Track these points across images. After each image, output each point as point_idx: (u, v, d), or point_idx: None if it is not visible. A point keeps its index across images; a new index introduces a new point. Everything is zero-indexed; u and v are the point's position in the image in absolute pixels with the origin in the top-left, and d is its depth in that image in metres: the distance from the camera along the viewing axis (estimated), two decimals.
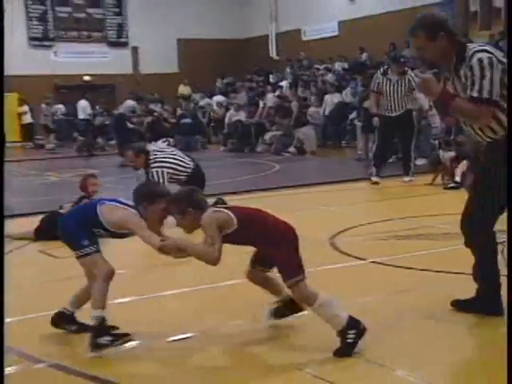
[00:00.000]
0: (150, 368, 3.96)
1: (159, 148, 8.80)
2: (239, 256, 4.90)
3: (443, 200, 9.44)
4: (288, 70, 24.99)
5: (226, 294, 5.35)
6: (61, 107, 24.96)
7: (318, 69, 23.35)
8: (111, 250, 4.67)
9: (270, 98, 21.29)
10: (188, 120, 22.35)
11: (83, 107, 21.68)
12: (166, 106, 23.62)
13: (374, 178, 11.25)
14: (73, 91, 25.84)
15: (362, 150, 15.10)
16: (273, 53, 27.97)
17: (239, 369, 3.85)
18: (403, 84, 11.06)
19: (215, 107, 23.48)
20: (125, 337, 4.13)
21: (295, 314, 4.40)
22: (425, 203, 9.42)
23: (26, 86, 24.12)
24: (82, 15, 26.97)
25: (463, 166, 10.19)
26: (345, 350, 3.87)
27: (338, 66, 23.11)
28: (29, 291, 4.52)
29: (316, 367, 3.72)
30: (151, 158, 8.41)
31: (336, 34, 25.03)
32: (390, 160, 14.02)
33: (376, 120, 11.39)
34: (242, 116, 20.85)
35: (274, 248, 4.11)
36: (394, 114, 11.18)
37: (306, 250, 6.68)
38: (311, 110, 19.44)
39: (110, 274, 4.19)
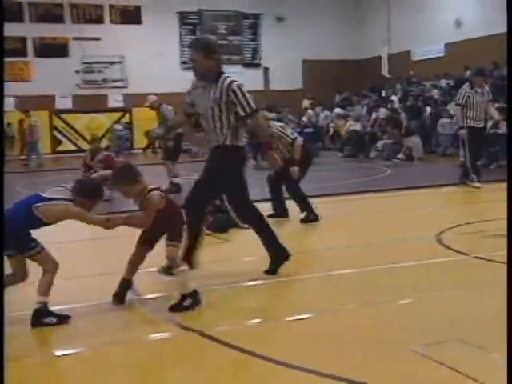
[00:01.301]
0: (271, 342, 4.02)
1: None
2: (344, 250, 4.88)
3: None
4: (398, 86, 24.55)
5: (336, 281, 5.35)
6: None
7: (425, 85, 22.84)
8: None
9: (383, 111, 20.98)
10: (310, 129, 22.39)
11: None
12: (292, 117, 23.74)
13: (476, 184, 10.85)
14: None
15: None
16: (385, 71, 27.56)
17: (352, 349, 3.78)
18: (485, 95, 10.73)
19: (334, 119, 23.37)
20: (64, 318, 4.33)
21: None
22: None
23: (176, 101, 24.84)
24: (224, 42, 27.51)
25: None
26: (178, 308, 4.46)
27: (443, 82, 22.48)
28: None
29: (424, 348, 3.61)
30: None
31: (442, 54, 24.38)
32: (492, 166, 13.59)
33: (463, 132, 10.89)
34: (357, 126, 20.69)
35: (172, 222, 4.60)
36: (481, 125, 10.80)
37: (414, 245, 6.64)
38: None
39: (57, 268, 4.37)
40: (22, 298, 4.52)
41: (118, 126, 24.78)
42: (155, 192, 4.51)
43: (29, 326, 4.24)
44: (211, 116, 5.10)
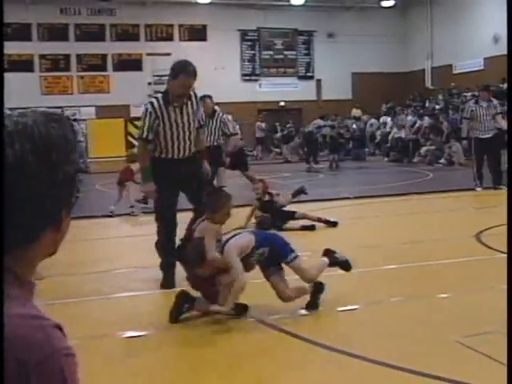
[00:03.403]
0: (321, 329, 3.99)
1: None
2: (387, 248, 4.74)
3: None
4: (440, 97, 24.05)
5: (382, 276, 5.27)
6: (262, 124, 25.51)
7: (466, 96, 22.29)
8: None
9: (426, 120, 20.61)
10: (358, 136, 22.18)
11: (315, 123, 21.38)
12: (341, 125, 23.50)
13: (478, 189, 10.79)
14: (271, 113, 26.51)
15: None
16: (428, 83, 27.05)
17: (397, 338, 3.72)
18: (491, 108, 10.60)
19: (381, 126, 23.08)
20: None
21: None
22: None
23: (237, 110, 25.02)
24: (280, 56, 27.52)
25: None
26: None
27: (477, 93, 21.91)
28: None
29: (466, 339, 3.54)
30: (217, 110, 8.67)
31: (482, 68, 23.77)
32: None
33: (465, 142, 11.10)
34: (402, 133, 20.37)
35: None
36: (487, 136, 10.63)
37: (454, 243, 6.50)
38: None
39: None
40: None
41: None
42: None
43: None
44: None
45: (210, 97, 8.51)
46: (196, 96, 5.09)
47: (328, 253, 4.63)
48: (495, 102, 11.01)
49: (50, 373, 0.85)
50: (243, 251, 4.01)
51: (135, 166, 9.57)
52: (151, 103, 4.87)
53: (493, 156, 10.99)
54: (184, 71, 4.85)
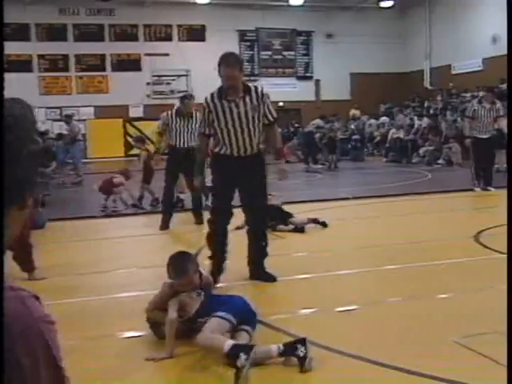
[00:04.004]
0: (321, 331, 3.99)
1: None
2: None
3: None
4: (439, 97, 24.07)
5: (380, 276, 5.27)
6: None
7: (465, 96, 22.32)
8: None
9: (425, 120, 20.63)
10: (357, 136, 22.17)
11: (314, 123, 21.28)
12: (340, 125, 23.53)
13: (477, 189, 10.84)
14: None
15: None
16: (427, 84, 27.08)
17: (395, 338, 3.72)
18: (493, 111, 10.67)
19: (380, 127, 23.09)
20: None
21: None
22: None
23: None
24: (279, 57, 27.56)
25: None
26: None
27: (481, 94, 21.88)
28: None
29: (464, 339, 3.54)
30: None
31: (480, 68, 23.79)
32: None
33: (468, 141, 11.13)
34: (400, 134, 20.38)
35: None
36: (485, 136, 10.72)
37: (453, 244, 6.51)
38: None
39: None
40: None
41: None
42: None
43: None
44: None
45: (190, 97, 8.24)
46: (257, 91, 4.81)
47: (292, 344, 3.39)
48: (498, 104, 10.96)
49: (32, 341, 0.89)
50: (180, 309, 3.66)
51: (118, 179, 9.60)
52: (206, 98, 4.88)
53: (488, 157, 11.03)
54: (223, 62, 4.75)
